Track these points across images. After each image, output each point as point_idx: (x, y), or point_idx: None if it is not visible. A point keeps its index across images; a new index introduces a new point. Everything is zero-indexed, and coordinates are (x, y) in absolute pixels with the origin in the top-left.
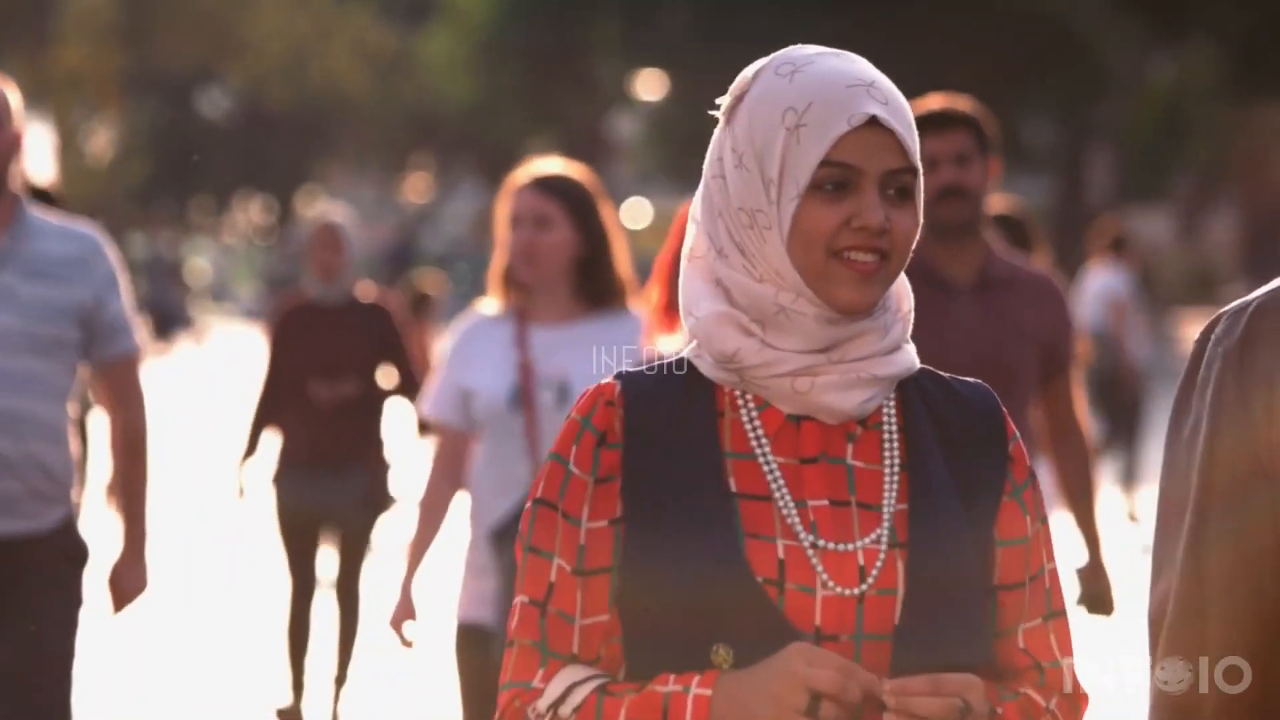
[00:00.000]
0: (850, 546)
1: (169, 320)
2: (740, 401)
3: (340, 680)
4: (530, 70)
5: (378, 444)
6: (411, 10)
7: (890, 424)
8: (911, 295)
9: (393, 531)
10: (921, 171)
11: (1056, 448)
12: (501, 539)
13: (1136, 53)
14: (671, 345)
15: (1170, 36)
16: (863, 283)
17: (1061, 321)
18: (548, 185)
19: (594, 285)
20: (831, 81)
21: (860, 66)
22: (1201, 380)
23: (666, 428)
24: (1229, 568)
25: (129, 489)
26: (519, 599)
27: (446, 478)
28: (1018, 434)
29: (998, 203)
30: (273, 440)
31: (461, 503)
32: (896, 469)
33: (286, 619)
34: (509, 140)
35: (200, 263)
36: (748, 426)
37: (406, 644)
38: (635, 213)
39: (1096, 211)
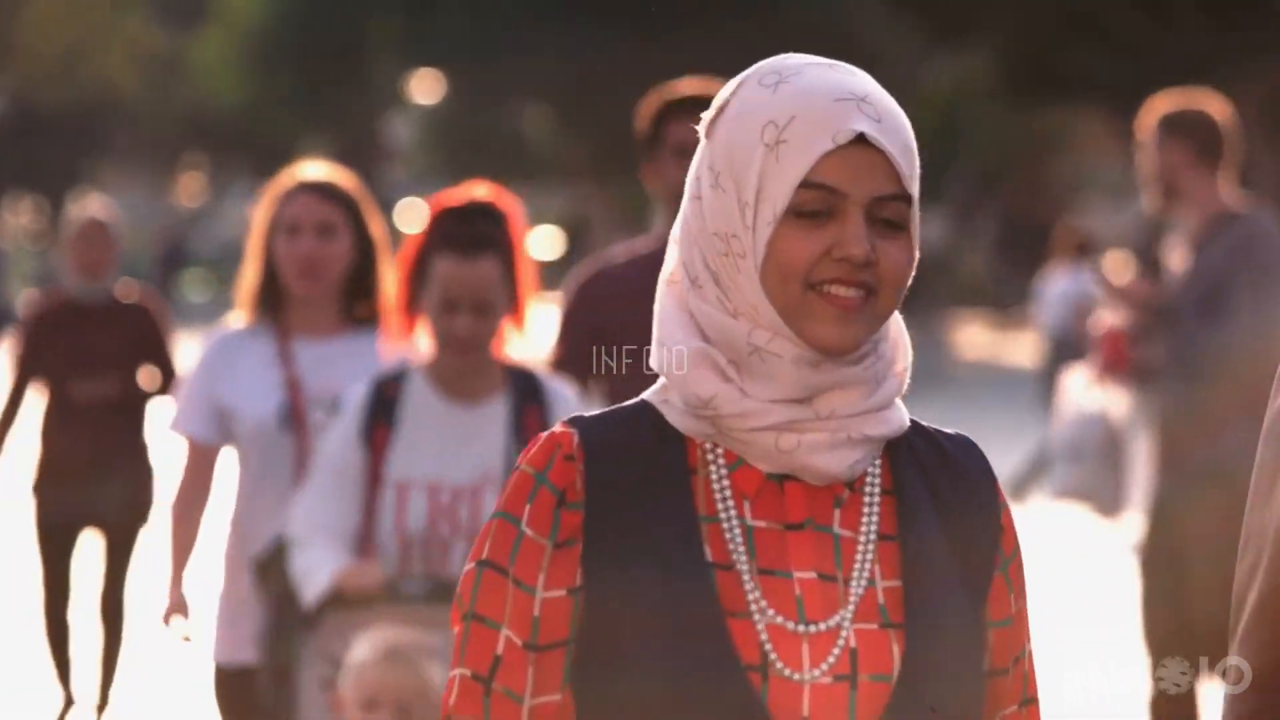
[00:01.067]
0: (841, 625)
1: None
2: (710, 458)
3: (102, 705)
4: (305, 71)
5: (140, 446)
6: (185, 11)
7: (873, 489)
8: (910, 351)
9: (158, 538)
10: (916, 200)
11: None
12: (266, 569)
13: (913, 56)
14: (414, 350)
15: (947, 41)
16: (843, 320)
17: None
18: (330, 191)
19: (364, 298)
20: (818, 94)
21: (854, 79)
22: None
23: (635, 487)
24: None
25: None
26: (458, 671)
27: (197, 490)
28: (1007, 500)
29: None
30: (30, 444)
31: (214, 519)
32: (873, 538)
33: (43, 622)
34: (283, 142)
35: None
36: (715, 486)
37: (185, 639)
38: (411, 214)
39: None
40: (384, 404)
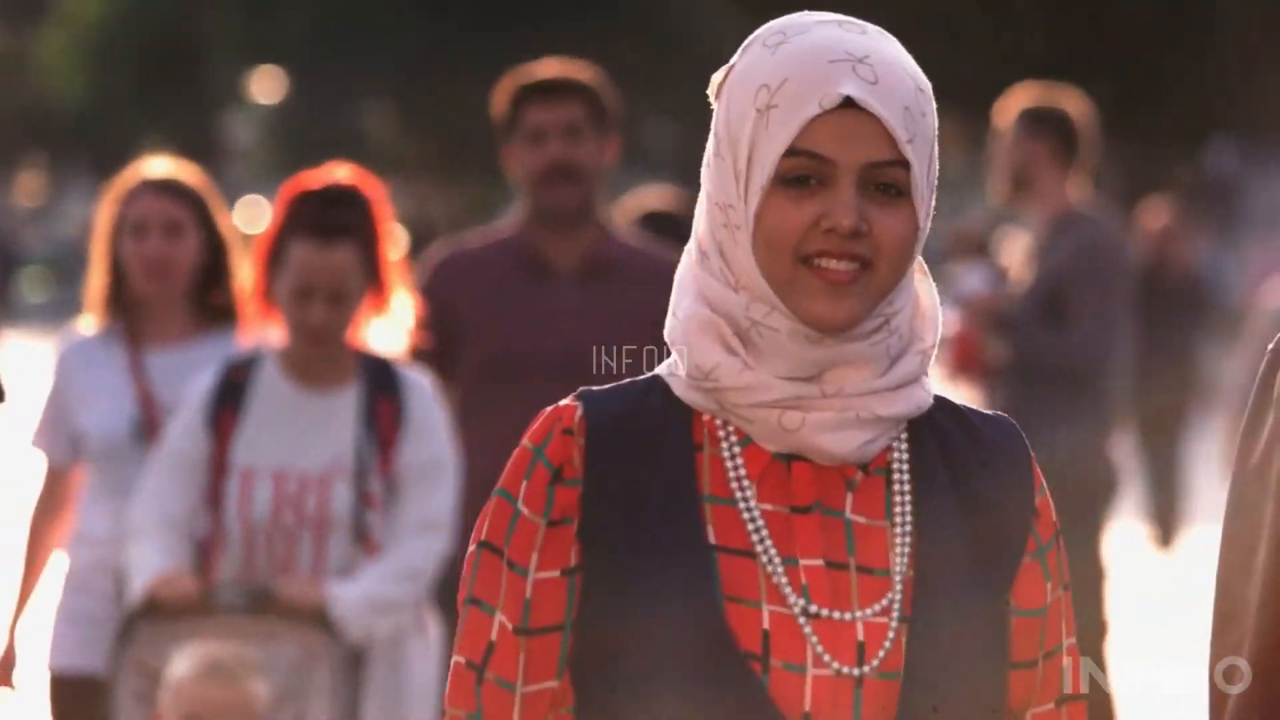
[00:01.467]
0: (849, 617)
1: None
2: (721, 434)
3: None
4: (145, 69)
5: None
6: (25, 9)
7: (902, 473)
8: (940, 329)
9: None
10: (914, 165)
11: None
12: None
13: None
14: (272, 336)
15: None
16: (835, 294)
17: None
18: (176, 188)
19: (217, 300)
20: (813, 55)
21: (860, 39)
22: (1263, 397)
23: (635, 462)
24: None
25: None
26: (455, 659)
27: (49, 514)
28: (1044, 484)
29: (654, 198)
30: None
31: (66, 542)
32: (909, 529)
33: None
34: (123, 140)
35: None
36: (729, 465)
37: (7, 684)
38: (252, 214)
39: None
40: (232, 389)
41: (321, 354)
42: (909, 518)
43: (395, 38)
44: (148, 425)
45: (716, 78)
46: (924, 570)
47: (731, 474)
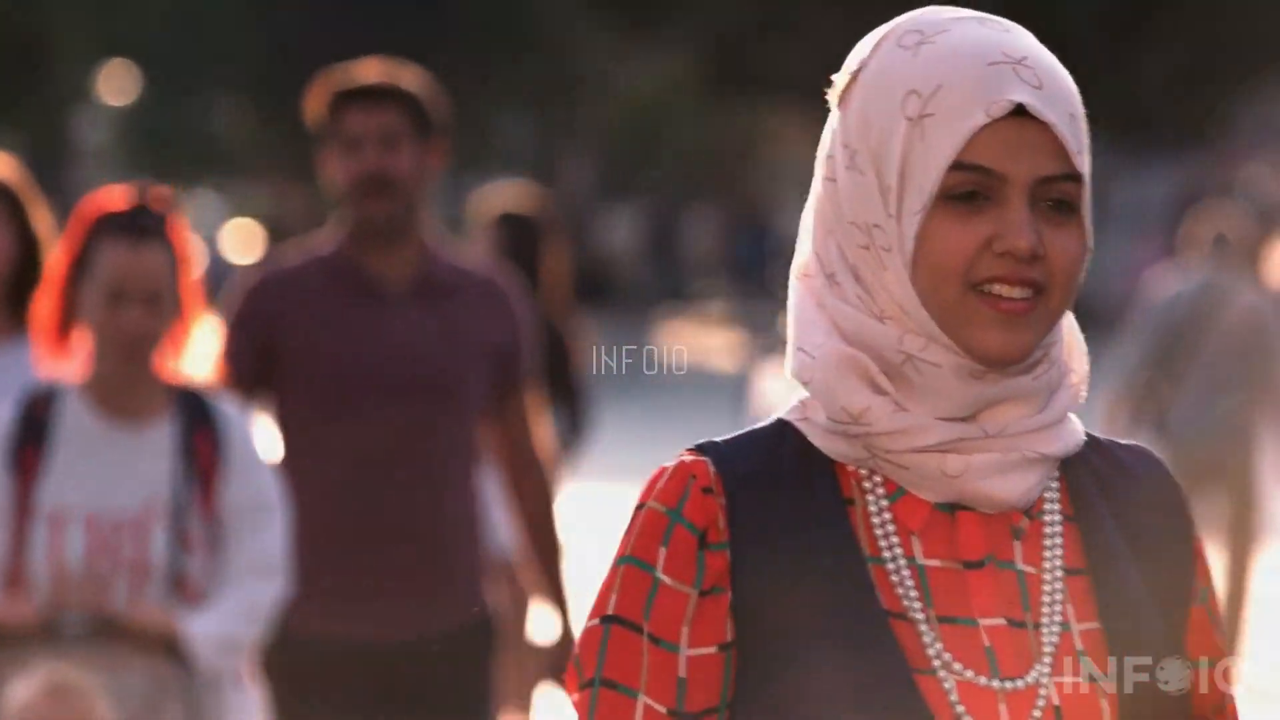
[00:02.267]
0: (1042, 680)
1: None
2: (868, 485)
3: None
4: None
5: None
6: None
7: (1054, 515)
8: (1086, 356)
9: None
10: (1087, 178)
11: (513, 484)
12: None
13: (611, 53)
14: (67, 371)
15: (645, 37)
16: (1010, 325)
17: (513, 330)
18: None
19: (29, 299)
20: (968, 57)
21: (1008, 36)
22: None
23: (785, 523)
24: None
25: None
26: None
27: None
28: (1196, 522)
29: (512, 199)
30: None
31: None
32: (1060, 573)
33: None
34: None
35: None
36: (875, 521)
37: None
38: None
39: (573, 211)
40: (33, 425)
41: (132, 377)
42: (1060, 561)
43: (250, 34)
44: None
45: (840, 80)
46: (1114, 621)
47: (879, 530)
